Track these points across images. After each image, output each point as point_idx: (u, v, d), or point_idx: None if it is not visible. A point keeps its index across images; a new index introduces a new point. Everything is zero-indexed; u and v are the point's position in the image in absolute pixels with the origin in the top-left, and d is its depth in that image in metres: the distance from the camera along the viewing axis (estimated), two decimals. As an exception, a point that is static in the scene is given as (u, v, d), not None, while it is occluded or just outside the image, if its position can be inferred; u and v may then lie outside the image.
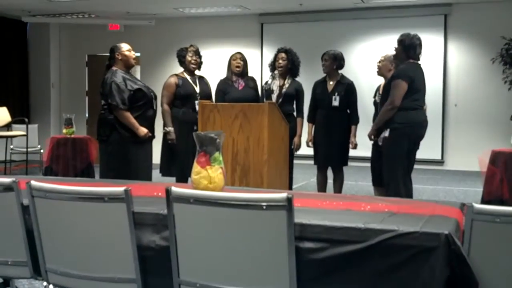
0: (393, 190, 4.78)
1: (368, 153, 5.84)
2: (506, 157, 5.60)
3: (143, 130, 4.79)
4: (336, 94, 5.84)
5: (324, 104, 5.91)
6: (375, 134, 5.08)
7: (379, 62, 5.71)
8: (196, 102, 5.46)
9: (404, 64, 4.92)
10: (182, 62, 5.77)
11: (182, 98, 5.60)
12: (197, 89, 5.65)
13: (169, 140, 5.53)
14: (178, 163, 5.50)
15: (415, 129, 4.94)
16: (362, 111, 6.09)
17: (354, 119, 5.91)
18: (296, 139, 5.72)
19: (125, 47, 4.94)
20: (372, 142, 5.70)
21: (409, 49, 4.90)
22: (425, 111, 5.13)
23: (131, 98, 4.76)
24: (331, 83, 5.93)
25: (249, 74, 6.03)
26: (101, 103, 4.89)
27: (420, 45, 4.95)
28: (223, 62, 6.24)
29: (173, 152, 5.55)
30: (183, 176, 5.35)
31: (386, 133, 4.89)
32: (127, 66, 4.95)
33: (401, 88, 4.78)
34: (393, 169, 4.89)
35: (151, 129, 4.94)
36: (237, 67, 5.80)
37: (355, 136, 5.88)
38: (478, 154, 6.25)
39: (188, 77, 5.69)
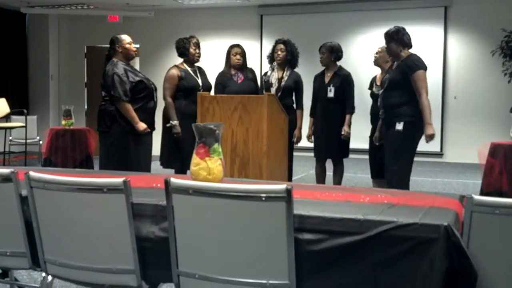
0: (398, 182, 4.69)
1: (367, 145, 5.83)
2: (505, 149, 5.59)
3: (142, 125, 4.76)
4: (331, 85, 5.82)
5: (321, 96, 5.89)
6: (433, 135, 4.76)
7: (376, 53, 5.69)
8: None
9: (411, 55, 4.85)
10: (183, 53, 5.70)
11: (185, 90, 5.54)
12: (200, 82, 5.63)
13: (174, 133, 5.47)
14: (179, 155, 5.47)
15: None
16: (361, 103, 6.07)
17: (348, 108, 5.81)
18: (296, 132, 5.69)
19: (126, 39, 4.91)
20: (369, 134, 5.69)
21: (402, 38, 4.85)
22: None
23: (132, 90, 4.74)
24: (329, 74, 5.90)
25: (248, 66, 6.00)
26: (102, 95, 4.87)
27: (407, 33, 4.92)
28: (222, 54, 6.20)
29: (176, 145, 5.52)
30: (183, 168, 5.33)
31: (399, 126, 4.73)
32: (127, 58, 4.92)
33: (426, 79, 4.75)
34: (401, 162, 4.79)
35: (152, 121, 4.92)
36: (237, 62, 5.78)
37: (348, 125, 5.79)
38: (478, 147, 6.24)
39: (189, 69, 5.66)
